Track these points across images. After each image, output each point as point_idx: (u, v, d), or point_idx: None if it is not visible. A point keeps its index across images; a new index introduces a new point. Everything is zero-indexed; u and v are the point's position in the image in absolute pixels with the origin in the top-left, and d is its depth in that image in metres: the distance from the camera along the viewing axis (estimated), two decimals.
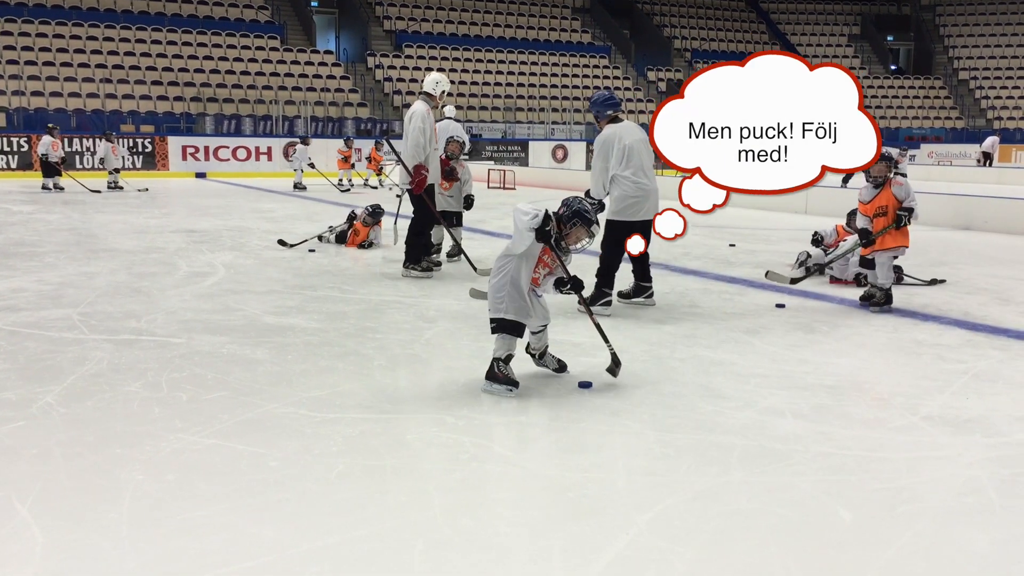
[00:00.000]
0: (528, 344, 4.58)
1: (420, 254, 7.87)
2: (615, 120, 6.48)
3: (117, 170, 18.62)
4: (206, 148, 24.45)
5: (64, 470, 3.29)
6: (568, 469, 3.40)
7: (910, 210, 6.38)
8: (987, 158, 29.05)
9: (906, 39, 45.83)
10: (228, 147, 24.71)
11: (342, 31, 37.70)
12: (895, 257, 6.55)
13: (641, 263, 6.61)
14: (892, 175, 6.48)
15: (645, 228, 6.24)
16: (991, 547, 2.76)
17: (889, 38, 45.50)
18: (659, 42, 40.78)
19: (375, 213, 9.85)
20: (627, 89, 36.08)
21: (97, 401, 4.10)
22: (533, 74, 34.71)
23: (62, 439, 3.61)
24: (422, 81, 8.21)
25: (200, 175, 23.77)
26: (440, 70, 32.83)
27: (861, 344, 5.46)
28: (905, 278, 7.73)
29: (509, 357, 4.37)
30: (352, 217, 9.98)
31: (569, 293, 4.50)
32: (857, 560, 2.66)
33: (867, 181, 6.56)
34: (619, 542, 2.74)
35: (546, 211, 4.28)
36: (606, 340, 4.52)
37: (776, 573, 2.58)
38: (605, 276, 6.39)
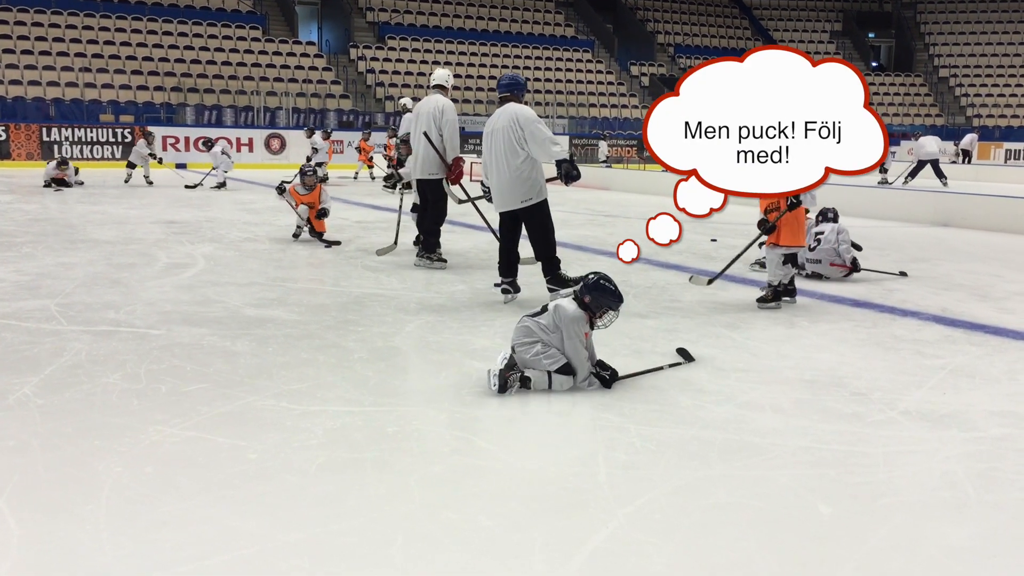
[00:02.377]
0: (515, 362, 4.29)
1: (436, 244, 7.95)
2: (503, 102, 6.46)
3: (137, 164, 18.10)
4: (186, 139, 24.26)
5: (41, 462, 3.26)
6: (549, 463, 3.40)
7: (798, 199, 6.13)
8: (966, 155, 29.26)
9: (887, 36, 46.09)
10: (209, 138, 24.53)
11: (324, 22, 37.50)
12: (785, 256, 6.34)
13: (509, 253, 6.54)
14: None
15: (509, 218, 6.46)
16: (967, 541, 2.79)
17: (870, 35, 45.73)
18: (642, 37, 40.81)
19: (311, 173, 9.48)
20: (610, 83, 36.12)
21: (75, 393, 4.07)
22: (516, 67, 34.63)
23: (39, 431, 3.58)
24: (430, 75, 8.40)
25: (180, 166, 23.58)
26: (438, 64, 32.76)
27: (841, 339, 5.49)
28: (862, 270, 7.77)
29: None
30: (281, 189, 9.49)
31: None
32: (835, 553, 2.68)
33: None
34: (600, 535, 2.75)
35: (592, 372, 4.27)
36: (648, 370, 4.56)
37: (755, 566, 2.59)
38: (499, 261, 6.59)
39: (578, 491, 3.11)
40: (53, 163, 16.16)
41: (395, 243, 8.75)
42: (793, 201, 6.11)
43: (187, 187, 16.83)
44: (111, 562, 2.54)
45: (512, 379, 4.18)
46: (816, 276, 7.66)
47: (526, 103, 6.65)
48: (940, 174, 20.06)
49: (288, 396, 4.07)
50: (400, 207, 9.15)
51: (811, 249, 7.69)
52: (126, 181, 17.25)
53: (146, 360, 4.63)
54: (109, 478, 3.12)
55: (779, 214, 6.20)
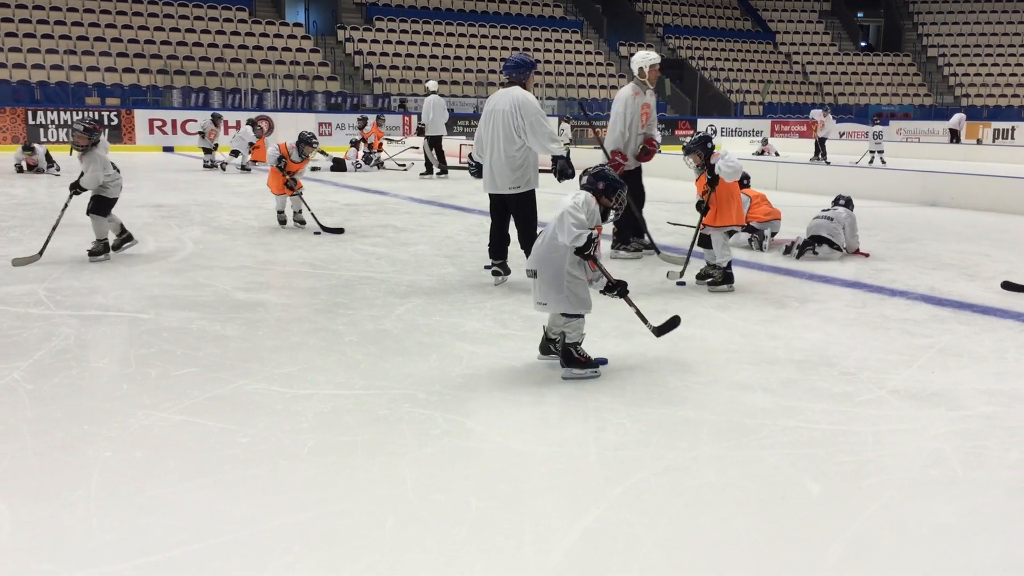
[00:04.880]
0: (548, 328, 4.32)
1: (629, 235, 7.76)
2: (510, 84, 6.34)
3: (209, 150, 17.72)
4: (173, 122, 24.11)
5: (31, 447, 3.26)
6: (539, 444, 3.41)
7: (716, 176, 6.12)
8: (954, 135, 29.33)
9: (876, 15, 46.07)
10: (196, 120, 24.32)
11: (311, 3, 37.18)
12: (730, 235, 6.34)
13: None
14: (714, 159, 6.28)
15: (498, 201, 6.45)
16: (954, 518, 2.82)
17: (859, 15, 45.70)
18: (631, 17, 40.67)
19: (316, 144, 9.28)
20: (599, 64, 36.00)
21: (64, 377, 4.06)
22: (505, 48, 34.50)
23: (29, 416, 3.57)
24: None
25: (167, 149, 23.46)
26: (425, 45, 32.49)
27: (830, 319, 5.51)
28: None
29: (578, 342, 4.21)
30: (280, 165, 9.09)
31: (615, 297, 4.30)
32: (824, 531, 2.69)
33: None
34: (590, 516, 2.76)
35: (590, 235, 4.04)
36: (644, 320, 4.47)
37: (744, 545, 2.61)
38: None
39: (568, 472, 3.12)
40: (39, 151, 15.92)
41: (40, 252, 7.04)
42: (710, 177, 6.16)
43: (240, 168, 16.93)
44: (102, 546, 2.54)
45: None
46: (815, 243, 7.64)
47: (536, 84, 6.56)
48: (823, 152, 21.30)
49: (278, 380, 4.07)
50: (64, 207, 7.45)
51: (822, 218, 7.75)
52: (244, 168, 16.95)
53: (135, 344, 4.61)
54: (99, 463, 3.12)
55: (708, 193, 6.22)
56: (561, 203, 4.10)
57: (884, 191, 13.34)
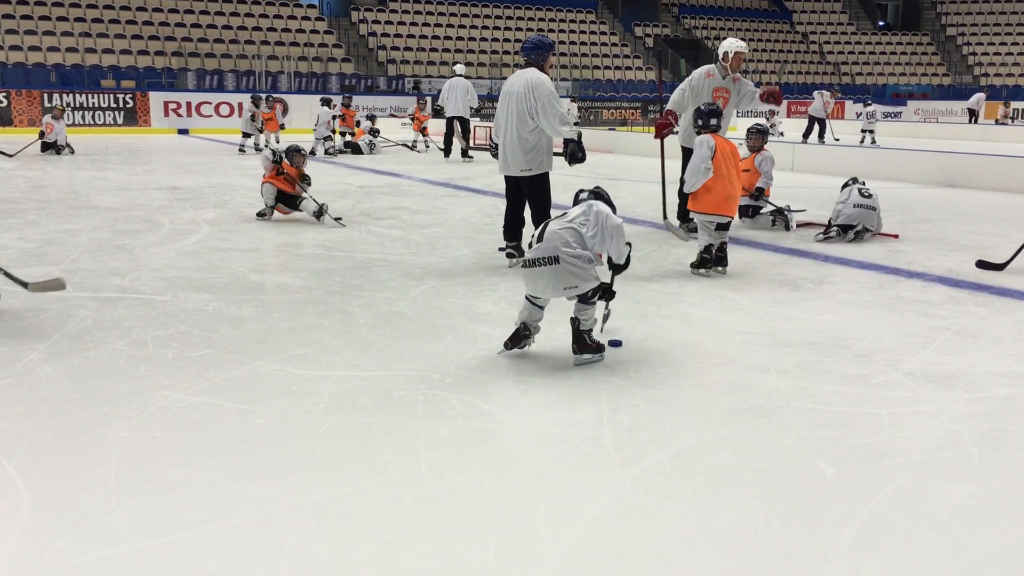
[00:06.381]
0: (530, 322, 4.22)
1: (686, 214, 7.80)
2: (527, 66, 6.32)
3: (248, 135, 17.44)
4: (188, 104, 24.13)
5: (50, 428, 3.29)
6: (554, 425, 3.42)
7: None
8: (973, 115, 29.06)
9: None
10: (211, 103, 24.40)
11: None
12: (718, 224, 6.06)
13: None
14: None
15: (513, 183, 6.45)
16: (971, 500, 2.81)
17: None
18: None
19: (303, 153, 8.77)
20: (614, 45, 35.78)
21: (82, 359, 4.09)
22: (519, 29, 34.34)
23: (47, 397, 3.60)
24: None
25: (182, 131, 23.51)
26: (440, 26, 32.32)
27: (845, 301, 5.49)
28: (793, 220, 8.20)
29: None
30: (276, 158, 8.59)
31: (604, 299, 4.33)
32: (839, 513, 2.69)
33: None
34: (604, 497, 2.77)
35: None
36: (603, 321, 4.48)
37: (759, 527, 2.61)
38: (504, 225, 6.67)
39: (583, 454, 3.13)
40: (62, 121, 15.83)
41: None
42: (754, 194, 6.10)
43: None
44: (120, 525, 2.56)
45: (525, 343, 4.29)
46: (847, 231, 7.60)
47: (552, 65, 6.57)
48: (816, 133, 20.64)
49: (294, 361, 4.09)
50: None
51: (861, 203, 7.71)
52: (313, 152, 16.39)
53: (152, 326, 4.64)
54: (117, 443, 3.14)
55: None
56: (605, 215, 4.17)
57: (901, 172, 13.24)
